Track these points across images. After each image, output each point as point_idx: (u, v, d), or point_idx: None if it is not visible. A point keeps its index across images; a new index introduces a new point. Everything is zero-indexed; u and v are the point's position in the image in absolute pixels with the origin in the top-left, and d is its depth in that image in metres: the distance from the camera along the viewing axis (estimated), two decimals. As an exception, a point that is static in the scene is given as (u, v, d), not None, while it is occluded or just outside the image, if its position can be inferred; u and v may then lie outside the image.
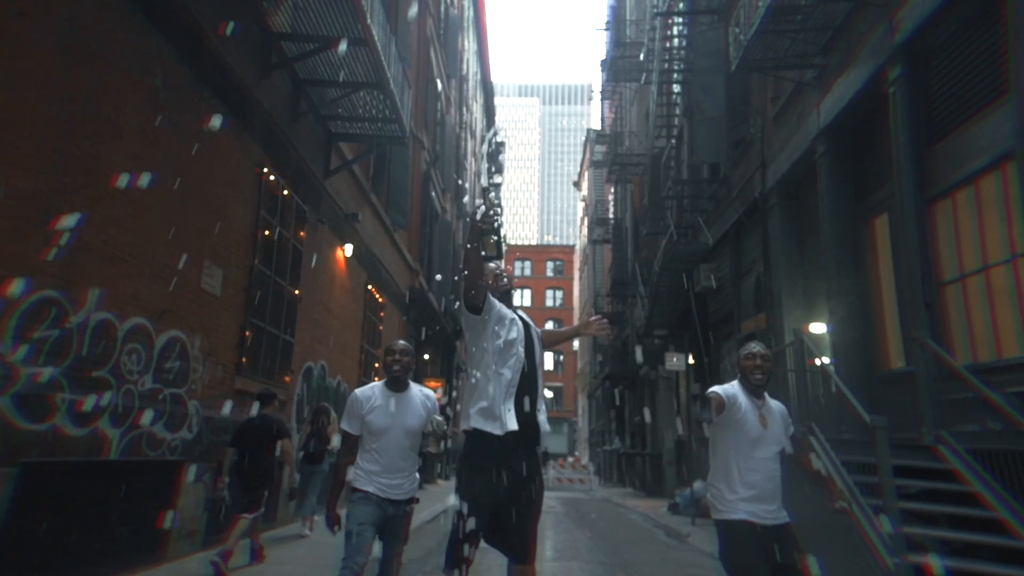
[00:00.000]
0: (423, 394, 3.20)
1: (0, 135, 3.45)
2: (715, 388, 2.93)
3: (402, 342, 3.23)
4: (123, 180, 4.33)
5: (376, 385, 3.16)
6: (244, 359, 6.61)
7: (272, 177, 7.15)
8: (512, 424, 2.41)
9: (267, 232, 7.09)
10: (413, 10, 13.21)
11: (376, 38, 7.02)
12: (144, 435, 4.85)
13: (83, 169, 4.04)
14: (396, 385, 3.10)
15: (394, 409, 3.03)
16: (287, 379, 7.79)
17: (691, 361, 12.76)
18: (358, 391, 3.14)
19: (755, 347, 2.98)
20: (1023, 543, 4.04)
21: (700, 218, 12.32)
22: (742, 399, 2.88)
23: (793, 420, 3.12)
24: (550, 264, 54.92)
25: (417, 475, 3.18)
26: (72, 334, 4.01)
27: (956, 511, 4.54)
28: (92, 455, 4.24)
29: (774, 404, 2.99)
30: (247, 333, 6.66)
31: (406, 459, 3.07)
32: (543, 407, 2.61)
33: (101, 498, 4.39)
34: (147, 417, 4.85)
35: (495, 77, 33.31)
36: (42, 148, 3.73)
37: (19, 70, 3.61)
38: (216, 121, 5.42)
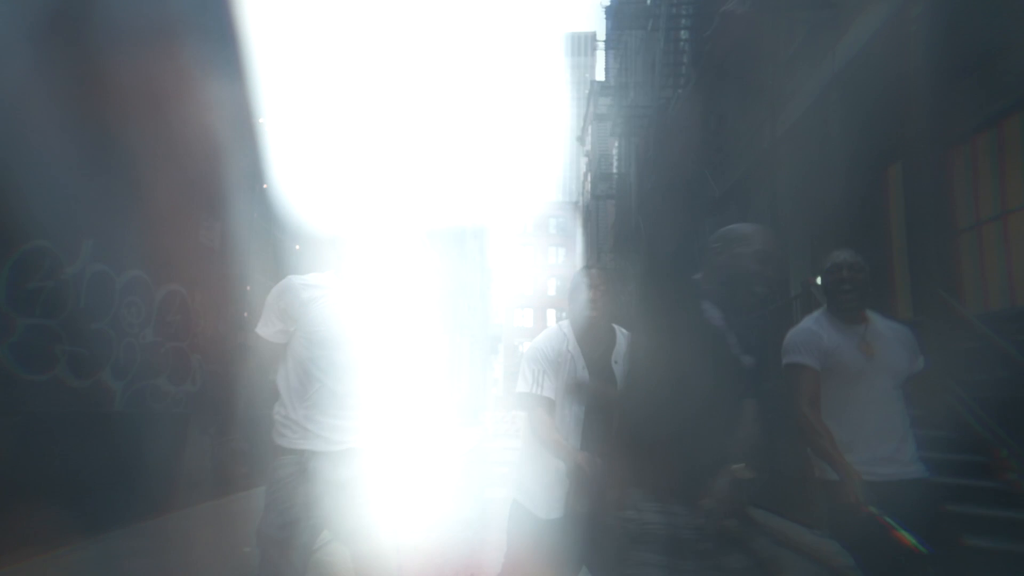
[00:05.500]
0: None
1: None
2: (797, 342, 2.17)
3: None
4: (119, 130, 4.18)
5: None
6: (246, 314, 6.58)
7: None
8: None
9: (265, 185, 6.95)
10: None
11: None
12: (148, 388, 4.85)
13: (78, 117, 3.89)
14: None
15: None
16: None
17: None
18: None
19: (839, 255, 2.24)
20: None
21: (707, 170, 12.07)
22: (828, 333, 2.18)
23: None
24: (552, 221, 54.53)
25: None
26: (68, 285, 3.95)
27: (958, 458, 4.55)
28: (97, 407, 4.24)
29: (887, 325, 2.24)
30: (248, 287, 6.60)
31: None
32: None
33: (110, 448, 4.42)
34: (150, 370, 4.84)
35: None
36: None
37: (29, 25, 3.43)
38: (212, 68, 5.21)
